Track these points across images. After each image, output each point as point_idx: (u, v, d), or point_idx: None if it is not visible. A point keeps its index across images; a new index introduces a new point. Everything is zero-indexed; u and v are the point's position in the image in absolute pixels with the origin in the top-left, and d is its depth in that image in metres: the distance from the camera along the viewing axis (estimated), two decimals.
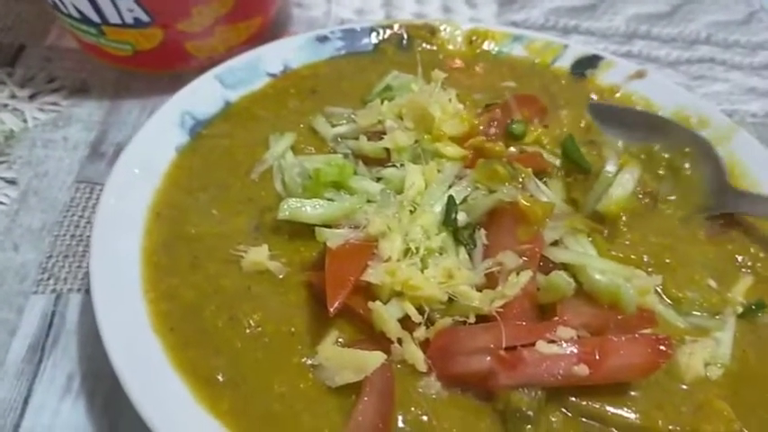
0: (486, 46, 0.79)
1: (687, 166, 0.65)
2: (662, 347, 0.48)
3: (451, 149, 0.60)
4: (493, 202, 0.55)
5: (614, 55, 0.79)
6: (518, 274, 0.50)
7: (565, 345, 0.48)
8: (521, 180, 0.56)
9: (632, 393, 0.50)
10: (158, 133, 0.63)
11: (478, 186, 0.57)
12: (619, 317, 0.51)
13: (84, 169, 0.70)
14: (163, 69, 0.79)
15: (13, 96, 0.77)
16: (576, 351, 0.48)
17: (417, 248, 0.52)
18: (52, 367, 0.55)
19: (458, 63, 0.74)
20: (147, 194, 0.59)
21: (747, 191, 0.64)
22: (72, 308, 0.59)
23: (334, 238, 0.52)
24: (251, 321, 0.51)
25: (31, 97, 0.77)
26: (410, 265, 0.51)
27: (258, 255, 0.54)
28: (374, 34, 0.77)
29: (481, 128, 0.63)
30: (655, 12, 0.99)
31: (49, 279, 0.61)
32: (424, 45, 0.78)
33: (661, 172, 0.65)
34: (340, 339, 0.51)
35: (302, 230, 0.56)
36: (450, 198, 0.56)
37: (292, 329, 0.51)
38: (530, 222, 0.54)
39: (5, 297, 0.59)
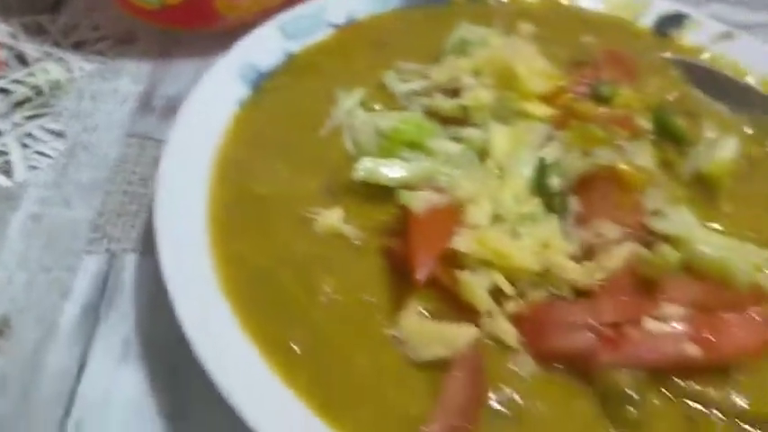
0: None
1: None
2: None
3: (540, 109, 0.55)
4: (589, 167, 0.50)
5: None
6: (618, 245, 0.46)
7: (674, 323, 0.44)
8: (617, 143, 0.52)
9: (737, 376, 0.46)
10: (218, 86, 0.58)
11: (570, 149, 0.52)
12: (727, 294, 0.47)
13: (135, 123, 0.66)
14: (189, 27, 0.72)
15: (56, 45, 0.73)
16: (686, 330, 0.44)
17: (507, 215, 0.48)
18: (108, 332, 0.52)
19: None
20: (209, 151, 0.55)
21: None
22: (127, 269, 0.56)
23: (417, 202, 0.48)
24: (327, 289, 0.48)
25: (76, 46, 0.73)
26: (501, 233, 0.47)
27: (332, 218, 0.50)
28: None
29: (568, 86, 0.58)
30: None
31: (102, 238, 0.58)
32: None
33: None
34: (422, 311, 0.47)
35: (377, 193, 0.52)
36: (543, 161, 0.51)
37: (372, 299, 0.48)
38: (629, 189, 0.49)
39: (58, 256, 0.56)
